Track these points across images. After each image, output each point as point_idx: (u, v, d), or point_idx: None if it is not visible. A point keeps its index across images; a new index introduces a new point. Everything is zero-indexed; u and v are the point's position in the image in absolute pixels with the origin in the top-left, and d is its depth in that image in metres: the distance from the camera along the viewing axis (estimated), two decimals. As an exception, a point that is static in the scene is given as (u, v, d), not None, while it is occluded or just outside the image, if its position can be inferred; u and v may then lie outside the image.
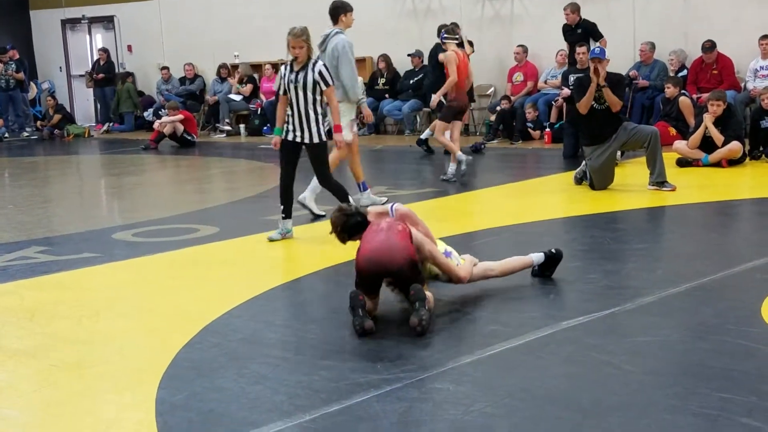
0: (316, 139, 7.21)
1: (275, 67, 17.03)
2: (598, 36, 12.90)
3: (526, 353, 4.36)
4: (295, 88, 7.11)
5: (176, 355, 4.52)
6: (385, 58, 15.93)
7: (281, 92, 7.22)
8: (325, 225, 7.88)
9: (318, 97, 7.16)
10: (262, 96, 17.25)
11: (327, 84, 7.15)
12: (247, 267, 6.57)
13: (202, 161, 14.25)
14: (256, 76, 17.66)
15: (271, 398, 3.91)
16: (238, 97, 17.59)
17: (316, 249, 6.92)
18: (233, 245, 7.21)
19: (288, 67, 7.19)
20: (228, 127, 17.38)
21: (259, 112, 17.03)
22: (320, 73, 7.12)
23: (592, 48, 9.02)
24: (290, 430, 3.56)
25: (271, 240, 7.19)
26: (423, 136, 13.21)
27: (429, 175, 11.35)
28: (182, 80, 18.43)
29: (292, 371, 4.25)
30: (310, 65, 7.11)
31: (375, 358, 4.36)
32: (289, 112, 7.21)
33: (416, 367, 4.17)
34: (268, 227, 7.84)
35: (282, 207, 7.26)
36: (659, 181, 8.63)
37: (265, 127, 16.82)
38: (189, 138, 15.77)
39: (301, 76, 7.10)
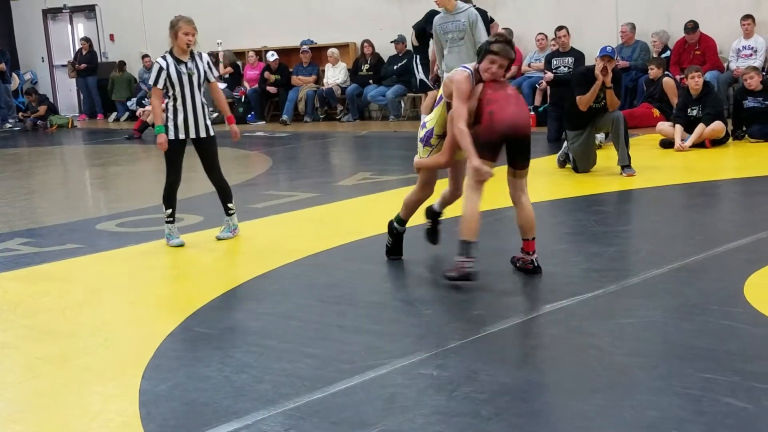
0: (212, 132, 6.92)
1: (259, 54, 16.98)
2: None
3: (510, 337, 4.36)
4: (190, 79, 6.71)
5: (160, 346, 4.51)
6: (369, 43, 15.90)
7: (159, 86, 6.70)
8: (300, 215, 7.87)
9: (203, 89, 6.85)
10: (245, 83, 17.20)
11: (214, 75, 6.94)
12: (230, 256, 6.55)
13: (186, 150, 14.17)
14: (239, 63, 17.59)
15: (255, 387, 3.90)
16: (222, 85, 17.52)
17: (298, 238, 6.90)
18: (217, 234, 7.18)
19: (170, 58, 6.69)
20: (214, 115, 17.32)
21: (243, 99, 16.97)
22: (208, 64, 6.90)
23: (603, 46, 8.89)
24: (274, 418, 3.56)
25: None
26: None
27: (409, 160, 11.31)
28: (165, 69, 18.37)
29: (276, 359, 4.24)
30: (197, 55, 6.83)
31: (359, 345, 4.35)
32: (170, 108, 6.77)
33: (400, 353, 4.16)
34: (253, 215, 7.83)
35: (170, 211, 6.83)
36: (621, 165, 8.62)
37: (249, 115, 16.77)
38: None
39: (192, 66, 6.75)
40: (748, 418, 3.28)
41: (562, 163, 9.23)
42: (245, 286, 5.61)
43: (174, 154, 6.84)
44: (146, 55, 18.35)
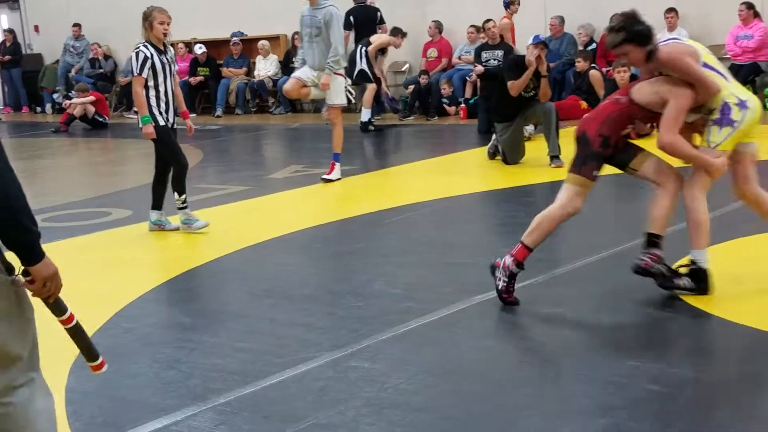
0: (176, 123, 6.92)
1: (188, 45, 16.78)
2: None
3: (441, 328, 4.40)
4: (170, 68, 6.72)
5: (87, 342, 4.44)
6: (300, 36, 15.82)
7: (144, 74, 6.61)
8: (231, 209, 7.80)
9: None
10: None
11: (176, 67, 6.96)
12: (160, 250, 6.47)
13: (115, 143, 13.99)
14: (168, 55, 17.37)
15: (185, 382, 3.87)
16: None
17: (230, 231, 6.85)
18: (146, 228, 7.09)
19: (151, 48, 6.67)
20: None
21: (173, 91, 16.77)
22: (173, 56, 6.94)
23: (535, 34, 9.01)
24: (204, 413, 3.53)
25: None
26: (364, 119, 13.05)
27: (347, 152, 11.32)
28: (92, 61, 18.03)
29: (206, 354, 4.21)
30: (168, 45, 6.86)
31: (290, 339, 4.35)
32: (153, 96, 6.68)
33: (332, 346, 4.17)
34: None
35: (184, 197, 6.81)
36: (552, 155, 8.73)
37: (179, 107, 16.59)
38: (100, 120, 15.45)
39: (170, 56, 6.80)
40: (671, 403, 3.35)
41: (491, 155, 9.32)
42: (176, 280, 5.55)
43: (171, 138, 6.80)
44: (77, 24, 17.97)
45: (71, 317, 2.69)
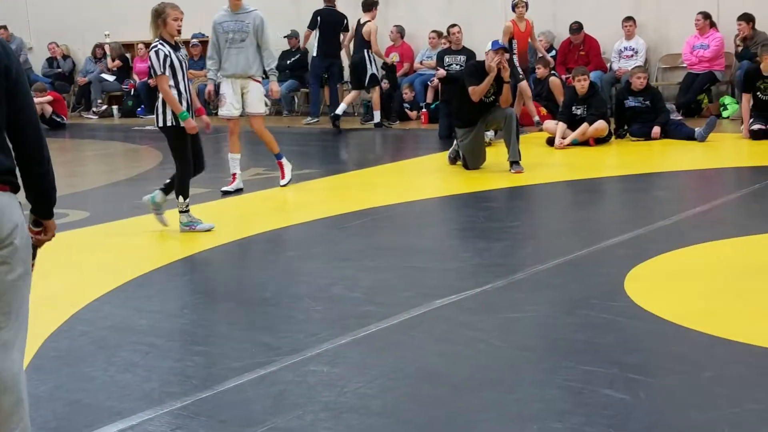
0: None
1: (148, 46, 16.64)
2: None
3: (400, 332, 4.41)
4: (185, 66, 6.71)
5: (42, 345, 4.39)
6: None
7: (167, 72, 6.61)
8: (196, 210, 7.76)
9: None
10: (135, 76, 16.85)
11: None
12: (117, 252, 6.41)
13: (73, 143, 13.83)
14: (128, 55, 17.23)
15: (141, 386, 3.84)
16: (110, 78, 17.14)
17: (189, 234, 6.81)
18: (103, 230, 7.04)
19: (166, 45, 6.64)
20: (103, 107, 16.94)
21: (132, 92, 16.63)
22: (186, 53, 6.96)
23: (495, 40, 9.07)
24: (161, 417, 3.51)
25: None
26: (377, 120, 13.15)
27: (307, 156, 11.31)
28: (50, 61, 17.83)
29: (163, 358, 4.19)
30: (180, 43, 6.86)
31: (248, 343, 4.33)
32: (173, 94, 6.68)
33: (290, 350, 4.16)
34: (142, 211, 7.68)
35: (187, 200, 6.77)
36: (511, 161, 8.79)
37: (138, 108, 16.45)
38: (58, 120, 15.27)
39: (183, 53, 6.81)
40: (625, 408, 3.40)
41: (452, 160, 9.36)
42: (133, 283, 5.51)
43: (184, 140, 6.71)
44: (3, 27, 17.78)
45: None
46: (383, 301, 4.91)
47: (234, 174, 8.47)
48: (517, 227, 6.89)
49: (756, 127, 9.99)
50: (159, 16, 6.64)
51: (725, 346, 3.98)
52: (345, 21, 13.64)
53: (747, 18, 11.92)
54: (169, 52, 6.62)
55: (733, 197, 7.30)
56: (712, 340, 4.06)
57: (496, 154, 9.42)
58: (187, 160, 6.73)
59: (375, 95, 13.02)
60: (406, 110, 13.94)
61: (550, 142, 10.48)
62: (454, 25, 12.49)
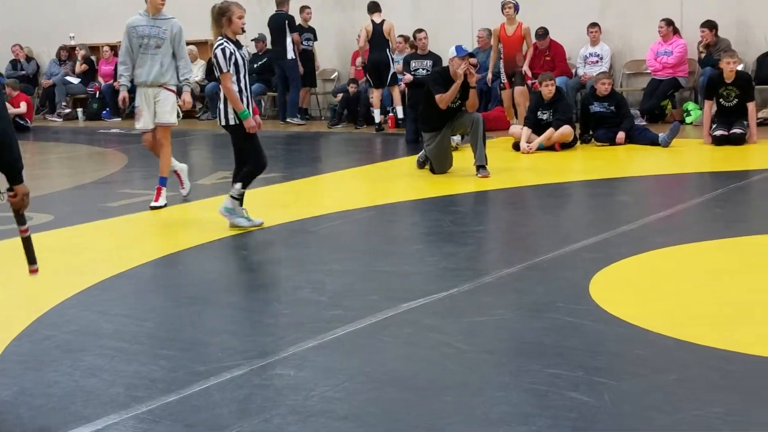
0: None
1: (114, 48, 16.53)
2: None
3: (367, 336, 4.42)
4: (246, 64, 6.73)
5: (5, 350, 4.35)
6: (220, 43, 15.78)
7: (231, 71, 6.60)
8: (156, 215, 7.73)
9: None
10: (100, 79, 16.74)
11: None
12: (81, 256, 6.37)
13: (37, 146, 13.70)
14: (93, 58, 17.10)
15: (106, 391, 3.81)
16: (75, 80, 17.01)
17: (155, 237, 6.78)
18: (68, 233, 6.98)
19: (231, 43, 6.63)
20: (67, 110, 16.80)
21: (97, 95, 16.51)
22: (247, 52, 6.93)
23: (458, 45, 9.08)
24: (126, 422, 3.49)
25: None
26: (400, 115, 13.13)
27: (275, 159, 11.30)
28: (14, 63, 17.65)
29: (128, 362, 4.16)
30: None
31: (215, 346, 4.32)
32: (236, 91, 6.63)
33: (257, 354, 4.15)
34: (108, 214, 7.64)
35: (244, 192, 6.83)
36: (477, 165, 8.84)
37: (104, 111, 16.32)
38: (22, 123, 15.12)
39: (244, 51, 6.79)
40: (589, 411, 3.43)
41: (421, 164, 9.39)
42: (98, 286, 5.47)
43: (254, 136, 6.71)
44: None
45: (27, 229, 3.89)
46: (350, 304, 4.92)
47: (182, 182, 8.22)
48: (484, 231, 6.93)
49: (718, 133, 10.13)
50: (224, 14, 6.64)
51: (688, 350, 4.03)
52: (287, 22, 13.82)
53: (710, 25, 12.09)
54: (234, 50, 6.62)
55: (696, 202, 7.40)
56: (675, 343, 4.11)
57: (463, 158, 9.46)
58: (259, 155, 6.76)
59: (396, 94, 13.04)
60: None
61: (516, 146, 10.54)
62: (420, 30, 12.53)
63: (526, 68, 11.93)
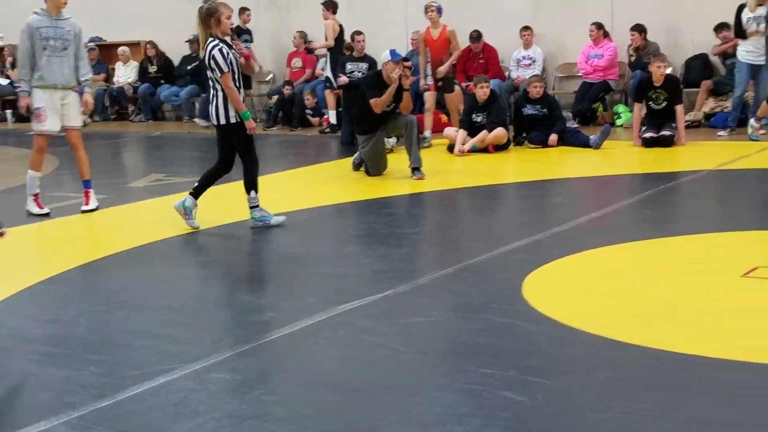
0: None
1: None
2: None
3: (303, 339, 4.41)
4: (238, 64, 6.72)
5: (-69, 357, 4.25)
6: (153, 45, 15.61)
7: (230, 70, 6.60)
8: (88, 218, 7.62)
9: None
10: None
11: None
12: (9, 261, 6.24)
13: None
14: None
15: (36, 396, 3.75)
16: (4, 81, 16.66)
17: (87, 240, 6.68)
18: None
19: (223, 43, 6.61)
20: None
21: (26, 96, 16.18)
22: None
23: (391, 50, 9.09)
24: (57, 428, 3.43)
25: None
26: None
27: (207, 162, 11.21)
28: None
29: (59, 367, 4.09)
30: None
31: (148, 351, 4.27)
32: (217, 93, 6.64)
33: (192, 357, 4.12)
34: (38, 218, 7.50)
35: (257, 195, 6.88)
36: (413, 167, 8.89)
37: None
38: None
39: (234, 51, 6.74)
40: (522, 410, 3.47)
41: (356, 166, 9.40)
42: (27, 291, 5.37)
43: (250, 136, 6.74)
44: None
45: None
46: (285, 307, 4.90)
47: (36, 194, 7.82)
48: (419, 233, 6.97)
49: (647, 135, 10.33)
50: (212, 15, 6.58)
51: (618, 349, 4.11)
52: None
53: (639, 29, 12.33)
54: (228, 50, 6.59)
55: (626, 203, 7.53)
56: (606, 342, 4.18)
57: (398, 160, 9.50)
58: (255, 154, 6.79)
59: (330, 97, 13.06)
60: (308, 116, 13.94)
61: (451, 148, 10.62)
62: (359, 33, 12.53)
63: (443, 69, 11.34)
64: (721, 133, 11.00)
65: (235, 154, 6.89)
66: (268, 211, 6.88)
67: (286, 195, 8.55)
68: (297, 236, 6.82)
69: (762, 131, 10.50)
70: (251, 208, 6.81)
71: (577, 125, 11.61)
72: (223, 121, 6.71)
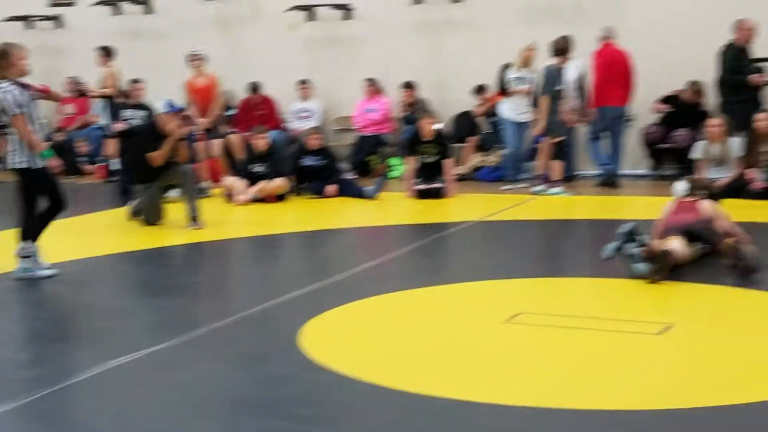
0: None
1: None
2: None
3: (73, 395, 4.26)
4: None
5: None
6: None
7: (23, 113, 6.43)
8: None
9: None
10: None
11: None
12: None
13: None
14: None
15: None
16: None
17: None
18: None
19: (12, 85, 6.38)
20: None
21: None
22: None
23: (167, 101, 8.97)
24: None
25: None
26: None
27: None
28: None
29: None
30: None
31: None
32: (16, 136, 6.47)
33: (-52, 420, 3.88)
34: None
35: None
36: (190, 217, 8.83)
37: None
38: None
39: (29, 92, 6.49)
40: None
41: (135, 214, 9.19)
42: None
43: (52, 179, 6.58)
44: None
45: None
46: (55, 363, 4.71)
47: None
48: (197, 283, 6.90)
49: (420, 187, 10.76)
50: (4, 57, 6.35)
51: (392, 396, 4.23)
52: None
53: (409, 85, 12.88)
54: (19, 92, 6.36)
55: (401, 252, 7.79)
56: (379, 390, 4.29)
57: (177, 210, 9.37)
58: (61, 194, 6.63)
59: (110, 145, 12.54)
60: (79, 164, 13.49)
61: (230, 197, 10.60)
62: (137, 81, 12.29)
63: (203, 120, 11.48)
64: (506, 187, 11.41)
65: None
66: (40, 261, 6.59)
67: (57, 245, 8.21)
68: (69, 289, 6.58)
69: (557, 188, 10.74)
70: (22, 258, 6.50)
71: (354, 176, 11.90)
72: (17, 167, 6.55)
